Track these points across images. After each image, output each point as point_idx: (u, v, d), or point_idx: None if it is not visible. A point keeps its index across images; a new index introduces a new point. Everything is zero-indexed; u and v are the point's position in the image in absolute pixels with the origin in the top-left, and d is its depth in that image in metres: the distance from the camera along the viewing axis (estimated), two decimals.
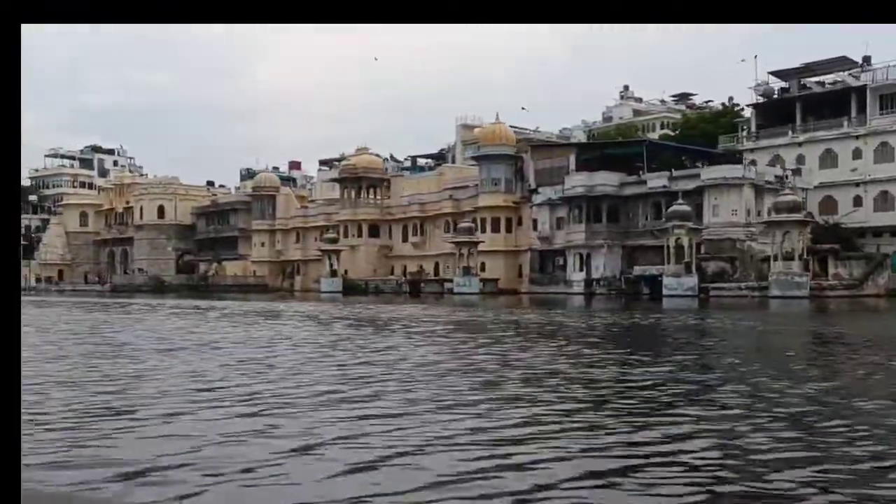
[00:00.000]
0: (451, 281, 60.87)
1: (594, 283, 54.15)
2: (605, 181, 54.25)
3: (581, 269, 55.01)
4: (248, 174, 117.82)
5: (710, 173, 48.98)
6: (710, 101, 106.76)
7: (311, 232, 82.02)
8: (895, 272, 43.51)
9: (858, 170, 51.92)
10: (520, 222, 62.25)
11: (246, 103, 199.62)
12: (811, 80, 58.23)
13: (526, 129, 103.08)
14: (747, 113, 62.48)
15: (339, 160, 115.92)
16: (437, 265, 68.56)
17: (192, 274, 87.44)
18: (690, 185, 50.29)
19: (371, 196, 75.13)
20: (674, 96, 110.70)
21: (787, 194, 42.72)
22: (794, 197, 42.19)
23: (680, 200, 45.96)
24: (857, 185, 51.69)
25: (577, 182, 55.07)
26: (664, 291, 44.29)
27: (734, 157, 56.99)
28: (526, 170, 62.19)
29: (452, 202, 67.33)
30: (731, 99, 67.98)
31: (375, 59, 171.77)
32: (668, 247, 44.75)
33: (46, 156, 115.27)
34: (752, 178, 47.95)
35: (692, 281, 43.86)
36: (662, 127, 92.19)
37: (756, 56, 70.89)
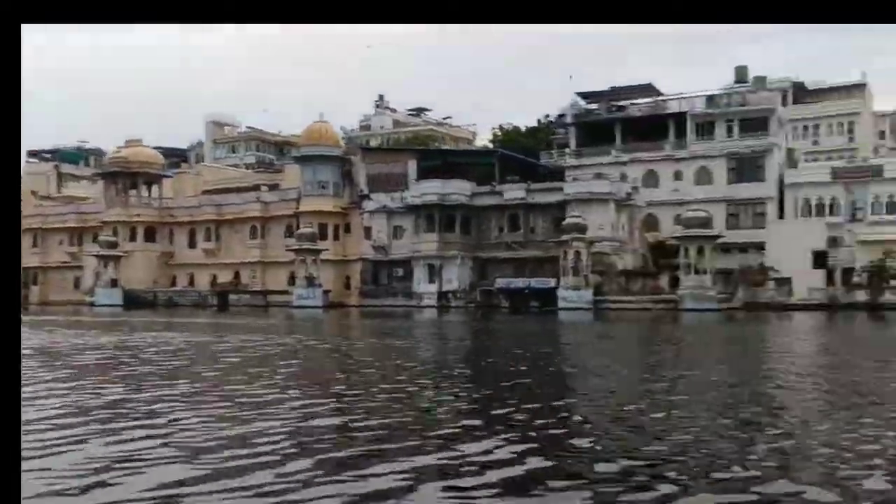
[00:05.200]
0: (278, 293, 54.94)
1: (448, 295, 52.19)
2: (459, 190, 52.67)
3: (432, 281, 52.69)
4: None
5: (575, 187, 49.81)
6: (448, 117, 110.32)
7: (52, 234, 69.44)
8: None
9: (680, 191, 56.36)
10: (348, 229, 58.07)
11: None
12: (622, 104, 62.15)
13: (276, 134, 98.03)
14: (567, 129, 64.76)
15: (50, 152, 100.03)
16: (236, 274, 61.43)
17: None
18: (552, 198, 50.71)
19: (146, 194, 65.43)
20: (411, 110, 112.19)
21: (696, 210, 44.83)
22: (705, 214, 44.34)
23: (575, 213, 45.95)
24: (679, 204, 55.97)
25: (429, 189, 52.77)
26: (560, 304, 43.83)
27: (559, 174, 58.82)
28: (356, 174, 58.29)
29: (261, 205, 60.84)
30: (546, 116, 70.30)
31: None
32: (564, 259, 44.45)
33: None
34: (616, 194, 49.65)
35: (589, 294, 44.04)
36: (416, 139, 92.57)
37: (571, 76, 74.18)
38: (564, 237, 44.64)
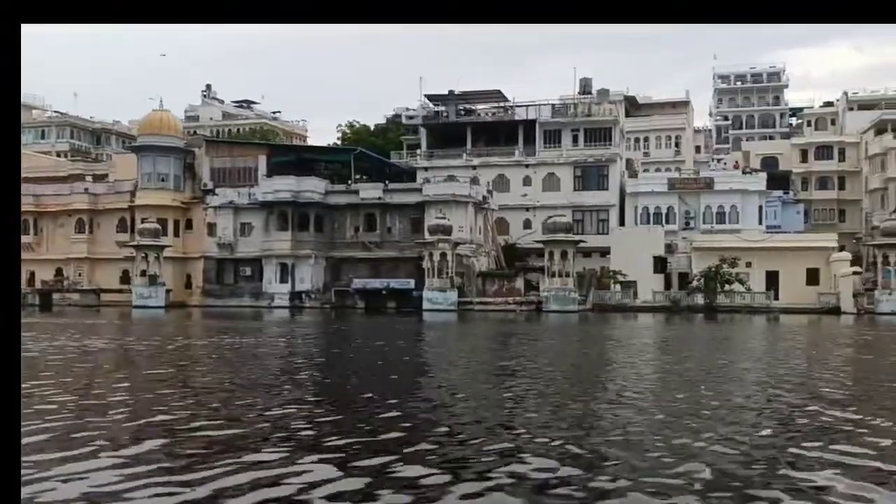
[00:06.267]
0: (113, 292, 50.59)
1: (301, 295, 50.30)
2: (314, 188, 50.93)
3: (284, 281, 50.59)
4: None
5: (435, 189, 49.49)
6: (278, 111, 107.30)
7: None
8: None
9: (529, 195, 57.69)
10: (189, 225, 54.53)
11: None
12: (471, 108, 62.86)
13: (91, 119, 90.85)
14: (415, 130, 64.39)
15: None
16: (59, 271, 56.06)
17: None
18: (410, 198, 50.21)
19: None
20: (237, 102, 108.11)
21: (560, 216, 45.62)
22: (567, 219, 45.24)
23: (440, 214, 45.54)
24: (528, 209, 57.38)
25: (282, 186, 50.62)
26: (426, 305, 43.37)
27: (410, 174, 58.58)
28: (199, 167, 54.86)
29: (89, 197, 55.83)
30: (396, 116, 69.38)
31: None
32: (430, 260, 43.98)
33: None
34: (474, 197, 49.92)
35: (454, 295, 43.86)
36: (255, 133, 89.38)
37: (421, 78, 73.66)
38: (430, 238, 44.26)
